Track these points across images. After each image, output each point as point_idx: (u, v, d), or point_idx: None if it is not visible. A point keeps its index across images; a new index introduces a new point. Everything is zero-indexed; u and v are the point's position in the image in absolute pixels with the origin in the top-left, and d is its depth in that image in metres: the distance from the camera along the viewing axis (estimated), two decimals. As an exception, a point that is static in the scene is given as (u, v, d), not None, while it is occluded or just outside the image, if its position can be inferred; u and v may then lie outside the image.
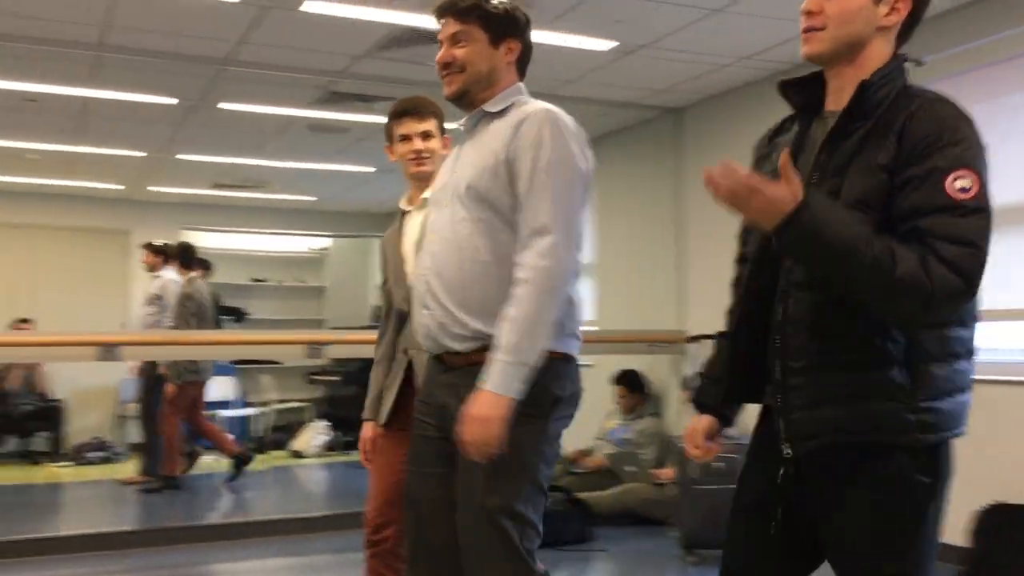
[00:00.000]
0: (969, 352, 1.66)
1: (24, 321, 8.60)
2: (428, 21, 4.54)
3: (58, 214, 9.56)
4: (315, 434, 8.89)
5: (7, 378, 8.82)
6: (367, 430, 2.86)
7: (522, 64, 2.21)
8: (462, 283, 2.05)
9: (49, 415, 8.88)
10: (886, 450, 1.61)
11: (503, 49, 2.14)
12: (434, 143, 2.78)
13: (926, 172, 1.54)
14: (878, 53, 1.68)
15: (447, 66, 2.13)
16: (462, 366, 2.07)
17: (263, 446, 8.87)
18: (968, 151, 1.56)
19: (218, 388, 9.05)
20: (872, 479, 1.62)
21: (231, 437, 7.23)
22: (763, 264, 1.76)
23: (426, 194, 2.70)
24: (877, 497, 1.61)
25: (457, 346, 2.07)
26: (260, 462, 8.30)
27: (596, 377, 5.85)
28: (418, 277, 2.19)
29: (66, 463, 8.27)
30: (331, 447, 8.77)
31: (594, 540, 5.01)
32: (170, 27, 4.79)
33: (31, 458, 8.58)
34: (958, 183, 1.53)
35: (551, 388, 2.03)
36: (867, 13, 1.67)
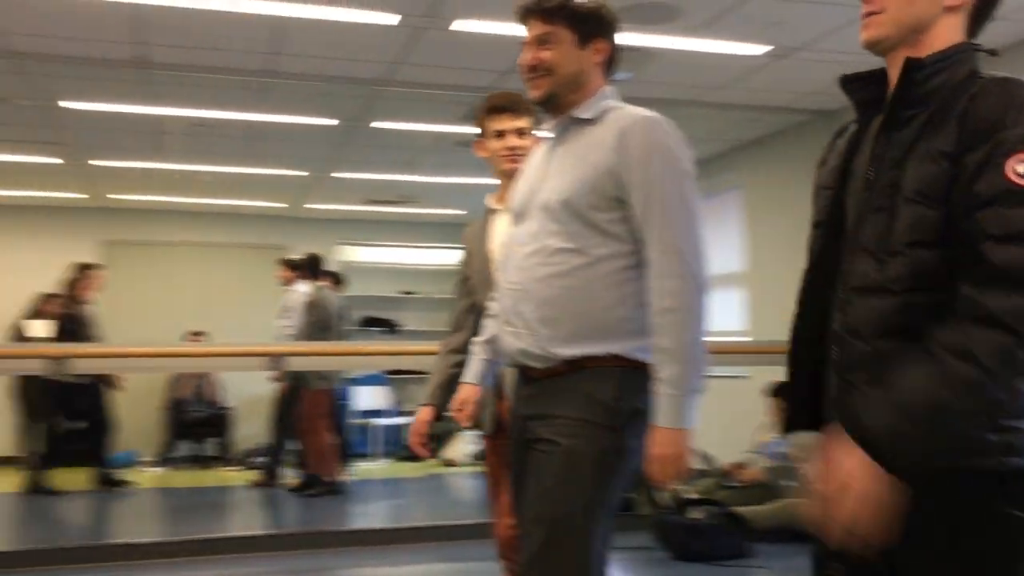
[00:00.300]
0: None
1: (197, 333, 9.15)
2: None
3: (226, 232, 10.13)
4: (466, 443, 9.06)
5: (180, 387, 9.40)
6: (424, 414, 2.83)
7: (610, 65, 2.10)
8: (551, 301, 1.98)
9: (218, 422, 9.41)
10: (964, 476, 1.39)
11: (591, 50, 2.04)
12: (528, 141, 2.70)
13: (985, 156, 1.37)
14: (943, 39, 1.50)
15: (533, 69, 2.04)
16: (541, 378, 2.02)
17: (415, 455, 9.08)
18: None
19: (372, 398, 9.38)
20: (951, 510, 1.40)
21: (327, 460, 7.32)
22: (821, 268, 1.62)
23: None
24: (960, 531, 1.40)
25: (539, 365, 2.01)
26: (413, 470, 8.52)
27: (749, 389, 5.75)
28: (503, 292, 2.12)
29: (235, 467, 8.73)
30: (482, 456, 8.89)
31: (751, 556, 4.89)
32: (331, 51, 5.02)
33: (202, 462, 9.12)
34: (1021, 167, 1.34)
35: (630, 400, 1.95)
36: None
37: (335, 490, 6.80)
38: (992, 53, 1.55)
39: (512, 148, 2.69)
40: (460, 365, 2.79)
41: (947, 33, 1.50)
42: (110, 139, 6.97)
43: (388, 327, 10.25)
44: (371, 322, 10.36)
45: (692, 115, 5.94)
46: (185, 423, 9.24)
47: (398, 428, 9.41)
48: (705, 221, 1.99)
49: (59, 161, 7.60)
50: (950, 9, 1.50)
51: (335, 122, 6.42)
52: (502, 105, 2.70)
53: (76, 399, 7.23)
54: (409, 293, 10.93)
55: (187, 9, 4.34)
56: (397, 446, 9.08)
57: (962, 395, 1.33)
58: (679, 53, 4.93)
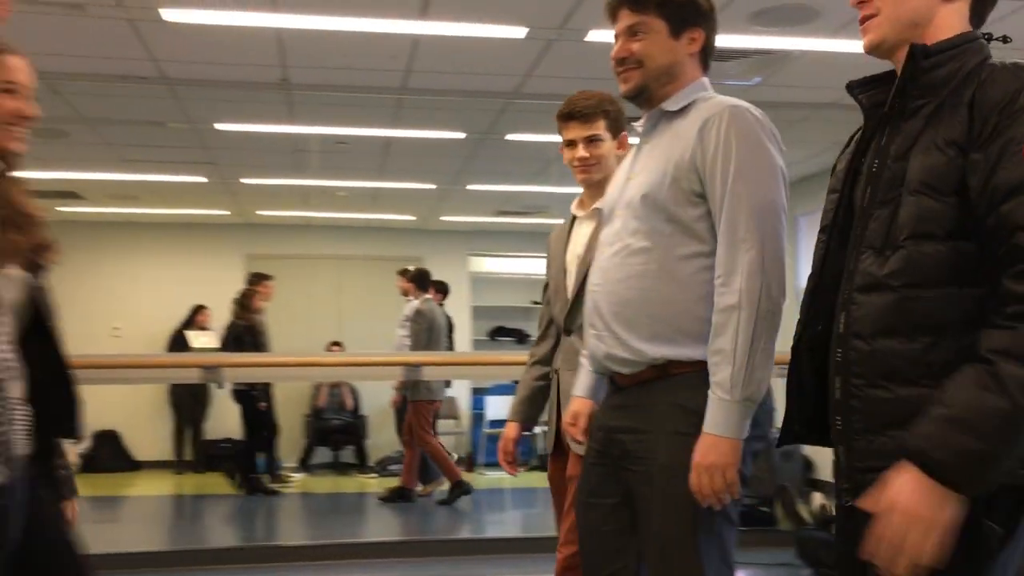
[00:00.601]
0: None
1: (336, 344, 9.46)
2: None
3: (361, 245, 10.44)
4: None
5: (318, 396, 9.73)
6: (509, 431, 2.77)
7: (705, 56, 1.98)
8: (629, 302, 1.89)
9: (354, 430, 9.68)
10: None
11: (685, 40, 1.92)
12: (603, 148, 2.54)
13: (1002, 147, 1.28)
14: (946, 29, 1.42)
15: (622, 62, 1.94)
16: (629, 385, 1.93)
17: (544, 464, 9.11)
18: None
19: (502, 407, 9.46)
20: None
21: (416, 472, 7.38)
22: (825, 272, 1.53)
23: (598, 203, 2.51)
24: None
25: (624, 370, 1.92)
26: (542, 480, 8.54)
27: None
28: (588, 295, 2.05)
29: (371, 474, 8.96)
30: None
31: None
32: (463, 67, 5.11)
33: (340, 469, 9.40)
34: None
35: None
36: None
37: (465, 490, 6.89)
38: (1004, 40, 1.47)
39: (583, 159, 2.54)
40: (544, 377, 2.75)
41: (949, 23, 1.43)
42: (255, 158, 7.30)
43: (518, 337, 10.33)
44: (501, 332, 10.46)
45: (832, 118, 5.77)
46: (323, 431, 9.55)
47: (528, 437, 9.45)
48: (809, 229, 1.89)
49: (206, 180, 8.01)
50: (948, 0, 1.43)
51: (463, 135, 6.52)
52: (569, 112, 2.55)
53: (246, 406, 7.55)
54: (539, 303, 10.94)
55: (326, 32, 4.50)
56: (528, 455, 9.12)
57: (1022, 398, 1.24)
58: (818, 55, 4.80)
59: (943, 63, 1.40)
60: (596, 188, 2.55)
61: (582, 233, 2.61)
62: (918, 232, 1.35)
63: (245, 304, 7.46)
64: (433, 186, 8.39)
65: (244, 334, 7.25)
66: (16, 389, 1.65)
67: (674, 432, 1.84)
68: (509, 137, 6.57)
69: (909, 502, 1.27)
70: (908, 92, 1.43)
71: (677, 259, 1.86)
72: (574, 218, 2.68)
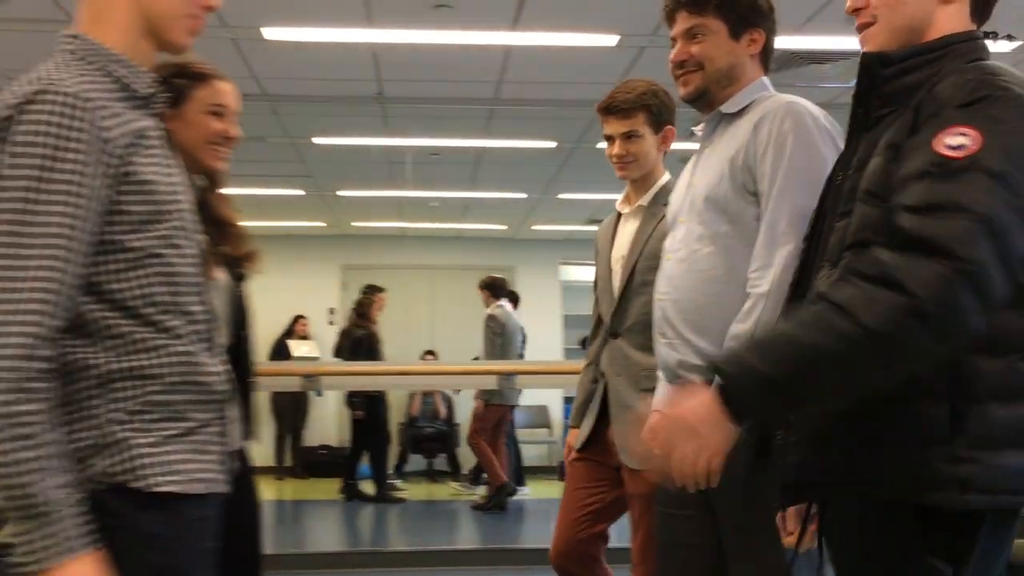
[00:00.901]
0: None
1: (429, 353, 9.57)
2: (805, 42, 4.42)
3: (453, 255, 10.55)
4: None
5: (411, 404, 9.86)
6: (572, 438, 2.65)
7: (766, 56, 1.94)
8: (699, 308, 1.85)
9: (446, 438, 9.77)
10: (899, 511, 1.23)
11: (745, 41, 1.89)
12: (641, 144, 2.43)
13: (924, 139, 1.21)
14: (944, 31, 1.35)
15: (682, 65, 1.90)
16: None
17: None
18: (984, 110, 1.19)
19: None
20: (874, 549, 1.25)
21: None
22: (797, 287, 1.48)
23: (643, 200, 2.48)
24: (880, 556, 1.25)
25: (698, 377, 1.82)
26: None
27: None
28: (655, 303, 2.01)
29: (463, 483, 9.02)
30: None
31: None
32: (555, 76, 5.13)
33: (433, 477, 9.50)
34: (950, 139, 1.18)
35: None
36: None
37: (509, 491, 6.90)
38: (1009, 39, 1.37)
39: (619, 156, 2.44)
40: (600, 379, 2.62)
41: (950, 25, 1.36)
42: (350, 170, 7.47)
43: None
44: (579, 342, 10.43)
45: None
46: (417, 439, 9.67)
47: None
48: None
49: (303, 193, 8.22)
50: (947, 1, 1.35)
51: (554, 144, 6.54)
52: (607, 106, 2.45)
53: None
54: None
55: (420, 45, 4.58)
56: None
57: (832, 343, 1.17)
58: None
59: (912, 69, 1.34)
60: (640, 184, 2.50)
61: (627, 231, 2.52)
62: (856, 241, 1.30)
63: (363, 313, 7.68)
64: (524, 195, 8.43)
65: (363, 342, 7.46)
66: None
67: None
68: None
69: (689, 412, 1.29)
70: (870, 102, 1.38)
71: (742, 262, 1.82)
72: (619, 215, 2.59)
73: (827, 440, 1.31)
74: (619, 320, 2.46)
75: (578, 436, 2.57)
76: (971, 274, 1.13)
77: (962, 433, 1.20)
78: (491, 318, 7.11)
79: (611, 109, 2.43)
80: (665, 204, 2.39)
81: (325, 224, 9.84)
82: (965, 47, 1.34)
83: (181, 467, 1.25)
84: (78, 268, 1.17)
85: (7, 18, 4.15)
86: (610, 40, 4.55)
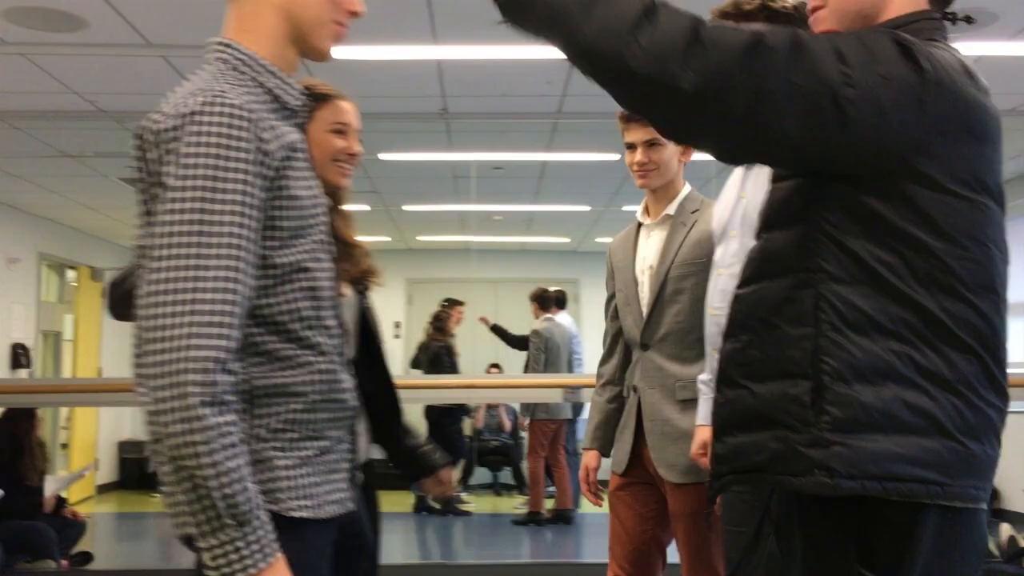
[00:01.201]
0: (945, 381, 1.17)
1: (494, 366, 9.61)
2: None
3: (516, 268, 10.59)
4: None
5: (476, 417, 9.90)
6: (589, 459, 2.57)
7: None
8: None
9: (510, 451, 9.78)
10: (823, 506, 1.20)
11: None
12: (663, 152, 2.40)
13: None
14: (895, 13, 1.29)
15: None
16: None
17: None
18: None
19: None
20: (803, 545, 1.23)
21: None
22: None
23: (669, 210, 2.43)
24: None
25: None
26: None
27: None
28: (708, 319, 1.99)
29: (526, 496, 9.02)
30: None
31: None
32: (617, 89, 5.13)
33: (498, 490, 9.51)
34: None
35: None
36: None
37: (539, 520, 6.86)
38: (968, 20, 1.32)
39: (641, 164, 2.41)
40: (617, 399, 2.56)
41: (898, 7, 1.29)
42: (415, 185, 7.56)
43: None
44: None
45: (1017, 126, 5.44)
46: (481, 451, 9.70)
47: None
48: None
49: (369, 208, 8.34)
50: None
51: (616, 156, 6.53)
52: (629, 114, 2.41)
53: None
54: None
55: (484, 61, 4.62)
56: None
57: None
58: (997, 59, 4.54)
59: None
60: (661, 193, 2.47)
61: (652, 242, 2.47)
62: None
63: (441, 327, 7.78)
64: (587, 208, 8.42)
65: (443, 354, 7.56)
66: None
67: None
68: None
69: None
70: None
71: None
72: (639, 226, 2.54)
73: (725, 428, 1.32)
74: (651, 331, 2.40)
75: (615, 459, 2.49)
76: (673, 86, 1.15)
77: (826, 415, 1.17)
78: (534, 333, 7.21)
79: (633, 117, 2.40)
80: (694, 212, 2.42)
81: (390, 239, 9.96)
82: (911, 29, 1.27)
83: (314, 490, 1.26)
84: (250, 280, 1.17)
85: (87, 43, 4.31)
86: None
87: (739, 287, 1.34)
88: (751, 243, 1.83)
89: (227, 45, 1.28)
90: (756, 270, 1.30)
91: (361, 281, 2.09)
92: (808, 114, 1.15)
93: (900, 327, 1.17)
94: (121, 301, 1.92)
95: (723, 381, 1.33)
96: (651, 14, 1.16)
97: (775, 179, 1.31)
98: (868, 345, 1.18)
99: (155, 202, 1.17)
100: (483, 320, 8.20)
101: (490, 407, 9.80)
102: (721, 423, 1.33)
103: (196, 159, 1.14)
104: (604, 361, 2.63)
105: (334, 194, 2.00)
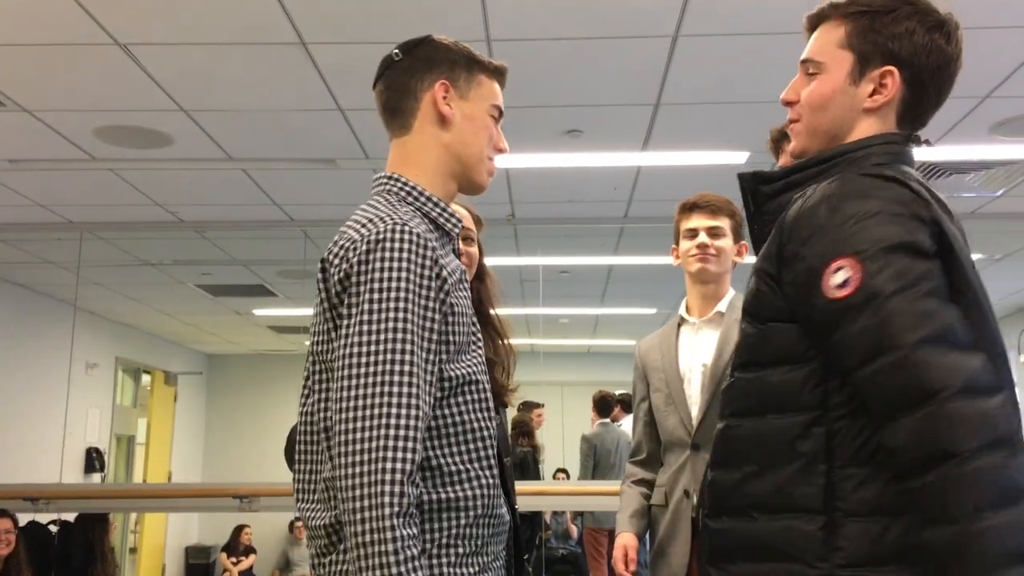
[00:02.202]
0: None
1: (561, 471, 9.46)
2: (946, 152, 4.31)
3: (583, 370, 10.52)
4: None
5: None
6: (627, 540, 2.38)
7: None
8: None
9: (578, 560, 9.52)
10: None
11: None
12: (725, 243, 2.39)
13: (805, 276, 1.22)
14: (868, 134, 1.34)
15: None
16: None
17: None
18: (843, 232, 1.19)
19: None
20: None
21: None
22: None
23: (720, 307, 2.36)
24: None
25: None
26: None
27: None
28: None
29: (597, 607, 8.73)
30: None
31: None
32: (684, 194, 5.15)
33: (565, 600, 9.23)
34: (833, 279, 1.18)
35: None
36: (844, 97, 1.34)
37: None
38: (927, 143, 1.34)
39: (703, 245, 2.38)
40: (649, 496, 2.44)
41: (870, 133, 1.34)
42: (482, 290, 7.62)
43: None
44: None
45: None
46: (549, 560, 9.46)
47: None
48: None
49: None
50: (869, 111, 1.33)
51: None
52: (695, 202, 2.44)
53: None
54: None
55: (550, 168, 4.70)
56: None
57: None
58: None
59: (798, 184, 1.33)
60: (712, 291, 2.42)
61: (702, 339, 2.41)
62: (741, 360, 1.32)
63: (526, 431, 7.75)
64: (653, 310, 8.38)
65: (528, 460, 7.52)
66: None
67: None
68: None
69: None
70: (760, 219, 1.38)
71: None
72: (679, 323, 2.49)
73: (727, 555, 1.31)
74: (705, 431, 2.29)
75: (665, 570, 2.33)
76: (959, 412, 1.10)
77: (840, 550, 1.18)
78: (583, 439, 7.20)
79: (699, 205, 2.42)
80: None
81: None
82: (864, 153, 1.31)
83: None
84: (430, 396, 1.22)
85: (172, 158, 4.51)
86: (740, 157, 4.56)
87: (728, 417, 1.33)
88: None
89: (395, 179, 1.39)
90: (748, 405, 1.30)
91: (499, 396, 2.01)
92: None
93: None
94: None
95: (721, 510, 1.32)
96: None
97: (757, 319, 1.31)
98: (883, 479, 1.18)
99: (337, 326, 1.24)
100: None
101: (556, 514, 9.61)
102: (720, 551, 1.31)
103: (385, 282, 1.21)
104: (632, 464, 2.55)
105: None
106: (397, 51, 1.44)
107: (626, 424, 7.42)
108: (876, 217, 1.18)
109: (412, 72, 1.42)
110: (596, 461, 7.02)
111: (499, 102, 1.48)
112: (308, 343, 1.34)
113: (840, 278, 1.17)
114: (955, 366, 1.10)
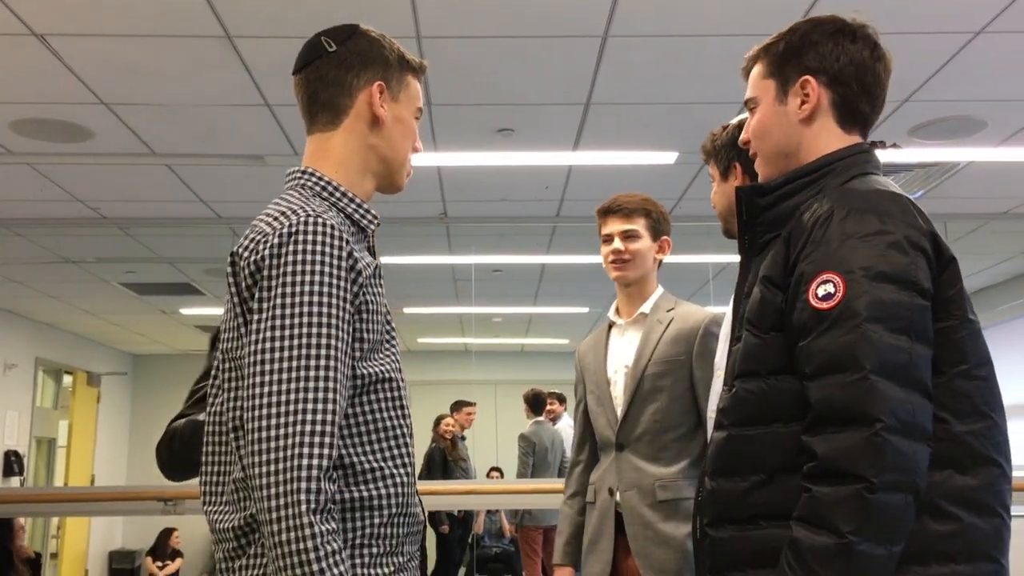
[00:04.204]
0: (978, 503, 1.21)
1: (495, 469, 9.47)
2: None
3: (516, 370, 10.55)
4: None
5: (476, 523, 9.69)
6: (564, 574, 2.41)
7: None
8: None
9: (509, 558, 9.54)
10: None
11: (731, 180, 1.96)
12: (640, 244, 2.38)
13: (796, 281, 1.27)
14: (817, 150, 1.41)
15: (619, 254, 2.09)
16: None
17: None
18: (842, 248, 1.23)
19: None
20: None
21: None
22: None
23: (644, 308, 2.38)
24: None
25: None
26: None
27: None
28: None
29: (529, 604, 8.76)
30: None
31: None
32: (613, 192, 5.19)
33: (498, 598, 9.24)
34: (822, 289, 1.22)
35: None
36: (778, 117, 1.43)
37: None
38: (895, 146, 1.43)
39: (618, 252, 2.38)
40: (584, 510, 2.44)
41: (818, 142, 1.41)
42: (416, 288, 7.59)
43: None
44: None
45: (1006, 228, 5.50)
46: (481, 559, 9.46)
47: None
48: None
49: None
50: (805, 120, 1.40)
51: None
52: (608, 207, 2.43)
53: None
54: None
55: (482, 167, 4.70)
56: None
57: (833, 568, 1.14)
58: (985, 165, 4.63)
59: (790, 194, 1.39)
60: (636, 292, 2.42)
61: (627, 340, 2.41)
62: (744, 370, 1.34)
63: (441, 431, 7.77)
64: (586, 309, 8.44)
65: (436, 458, 7.51)
66: None
67: None
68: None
69: None
70: (753, 230, 1.43)
71: None
72: (610, 326, 2.49)
73: (735, 563, 1.31)
74: (627, 431, 2.31)
75: (591, 571, 2.32)
76: (881, 443, 1.15)
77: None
78: (521, 437, 7.18)
79: (612, 209, 2.42)
80: (669, 310, 2.39)
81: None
82: (844, 164, 1.38)
83: None
84: (346, 391, 1.19)
85: (93, 152, 4.39)
86: (669, 157, 4.61)
87: (730, 427, 1.35)
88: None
89: (311, 174, 1.36)
90: (751, 414, 1.32)
91: None
92: None
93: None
94: (181, 455, 1.79)
95: (724, 519, 1.33)
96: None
97: (759, 328, 1.32)
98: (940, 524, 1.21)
99: (248, 321, 1.20)
100: None
101: (490, 512, 9.61)
102: (724, 560, 1.32)
103: (297, 275, 1.18)
104: (572, 469, 2.53)
105: None
106: (329, 40, 1.39)
107: (561, 423, 7.46)
108: (875, 240, 1.23)
109: (348, 67, 1.38)
110: (535, 459, 7.03)
111: (421, 103, 1.47)
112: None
113: (825, 291, 1.22)
114: (902, 402, 1.16)
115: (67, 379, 9.43)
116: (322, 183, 1.35)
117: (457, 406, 8.00)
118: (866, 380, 1.16)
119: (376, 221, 1.38)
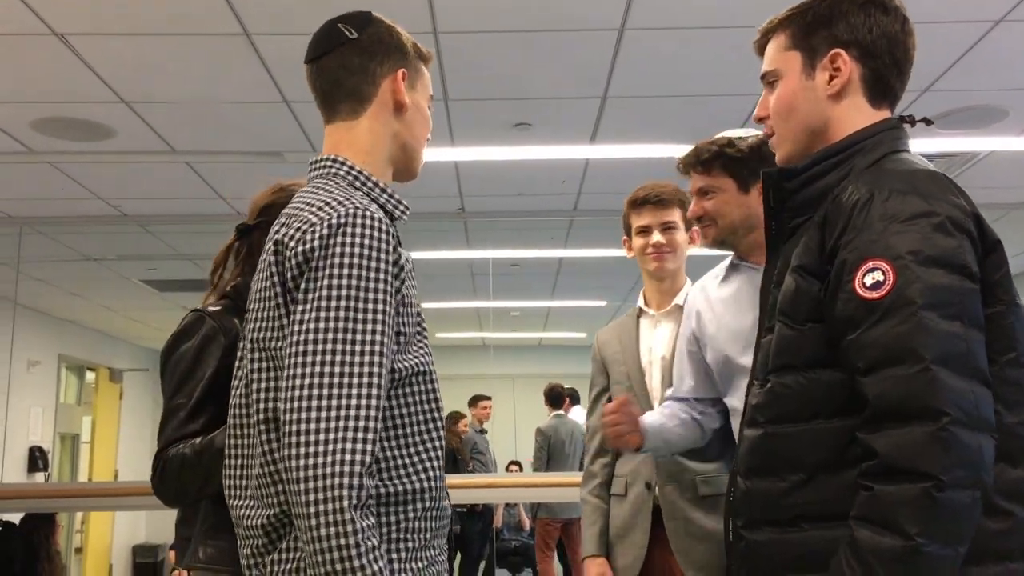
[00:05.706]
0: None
1: (514, 463, 9.48)
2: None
3: (534, 363, 10.55)
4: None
5: (496, 517, 9.71)
6: (600, 569, 2.32)
7: None
8: None
9: (530, 551, 9.56)
10: None
11: (755, 191, 1.91)
12: (678, 236, 2.35)
13: (837, 270, 1.19)
14: (848, 126, 1.33)
15: (699, 220, 2.01)
16: None
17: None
18: (886, 232, 1.16)
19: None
20: None
21: None
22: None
23: (679, 299, 2.33)
24: None
25: None
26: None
27: None
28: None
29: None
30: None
31: None
32: (632, 186, 5.18)
33: (518, 591, 9.26)
34: (869, 278, 1.15)
35: None
36: (806, 92, 1.36)
37: None
38: (927, 123, 1.37)
39: (658, 244, 2.34)
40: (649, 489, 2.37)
41: (848, 120, 1.34)
42: (434, 283, 7.61)
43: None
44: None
45: (1021, 219, 5.46)
46: (501, 552, 9.48)
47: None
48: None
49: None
50: (834, 96, 1.34)
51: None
52: (644, 198, 2.37)
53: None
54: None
55: (499, 162, 4.70)
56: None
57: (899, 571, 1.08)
58: (1008, 154, 4.59)
59: (819, 175, 1.32)
60: (668, 283, 2.38)
61: (662, 332, 2.36)
62: (778, 364, 1.27)
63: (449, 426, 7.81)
64: (604, 303, 8.44)
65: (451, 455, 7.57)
66: None
67: None
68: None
69: None
70: (781, 215, 1.36)
71: None
72: (639, 315, 2.44)
73: (774, 568, 1.26)
74: None
75: (623, 563, 2.28)
76: (952, 439, 1.09)
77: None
78: (537, 431, 7.20)
79: (648, 200, 2.36)
80: None
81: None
82: (873, 141, 1.32)
83: None
84: (387, 386, 1.18)
85: (113, 151, 4.42)
86: (686, 150, 4.59)
87: (765, 424, 1.28)
88: None
89: (342, 163, 1.34)
90: (789, 410, 1.25)
91: None
92: None
93: None
94: (191, 473, 1.55)
95: (762, 521, 1.27)
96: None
97: (794, 319, 1.27)
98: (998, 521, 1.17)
99: (290, 311, 1.19)
100: None
101: (508, 506, 9.63)
102: (763, 562, 1.27)
103: (346, 267, 1.17)
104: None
105: None
106: (349, 27, 1.37)
107: (572, 415, 7.47)
108: (920, 222, 1.16)
109: (371, 55, 1.36)
110: (550, 453, 7.04)
111: (432, 92, 1.48)
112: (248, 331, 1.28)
113: (873, 279, 1.16)
114: (964, 393, 1.10)
115: (90, 375, 9.50)
116: (353, 172, 1.33)
117: (473, 401, 8.04)
118: (927, 372, 1.09)
119: (407, 211, 1.36)
